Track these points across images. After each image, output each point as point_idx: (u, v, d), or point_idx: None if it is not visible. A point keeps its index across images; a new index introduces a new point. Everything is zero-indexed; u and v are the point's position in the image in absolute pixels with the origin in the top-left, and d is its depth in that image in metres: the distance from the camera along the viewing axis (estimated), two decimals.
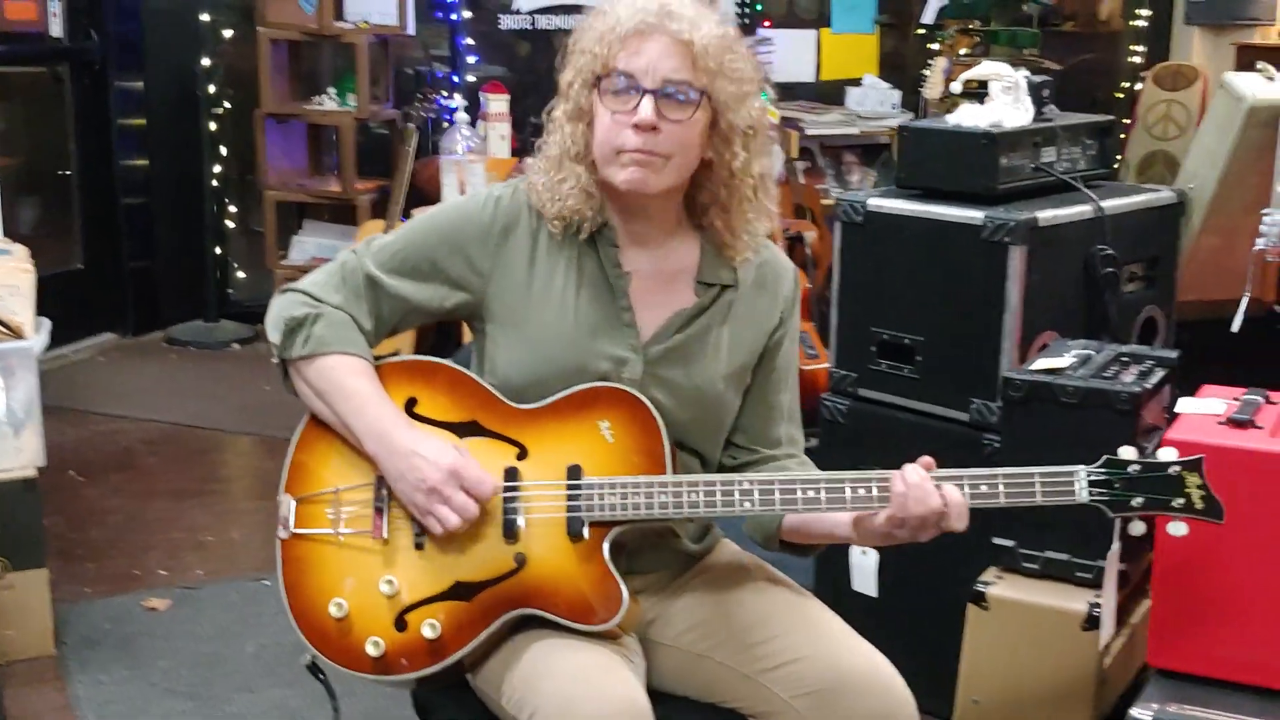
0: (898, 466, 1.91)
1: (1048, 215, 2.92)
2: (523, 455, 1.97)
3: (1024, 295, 2.89)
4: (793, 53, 6.83)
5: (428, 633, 1.91)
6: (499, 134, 6.02)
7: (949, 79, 6.46)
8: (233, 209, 6.31)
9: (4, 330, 3.28)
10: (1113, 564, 2.14)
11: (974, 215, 2.92)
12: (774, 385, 2.14)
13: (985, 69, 3.06)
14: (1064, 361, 2.64)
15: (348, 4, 5.99)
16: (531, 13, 6.52)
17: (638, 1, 1.96)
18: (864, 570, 3.23)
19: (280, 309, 2.03)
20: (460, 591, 1.93)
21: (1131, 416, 2.48)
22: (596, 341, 2.01)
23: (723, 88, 1.94)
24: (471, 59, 6.29)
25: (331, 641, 1.95)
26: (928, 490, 1.86)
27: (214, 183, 6.14)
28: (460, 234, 2.04)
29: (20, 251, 3.42)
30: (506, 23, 6.50)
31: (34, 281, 3.38)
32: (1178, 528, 1.89)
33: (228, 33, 6.19)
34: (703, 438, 2.08)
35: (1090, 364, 2.65)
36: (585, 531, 1.92)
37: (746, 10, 6.76)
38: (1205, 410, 2.28)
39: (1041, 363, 2.66)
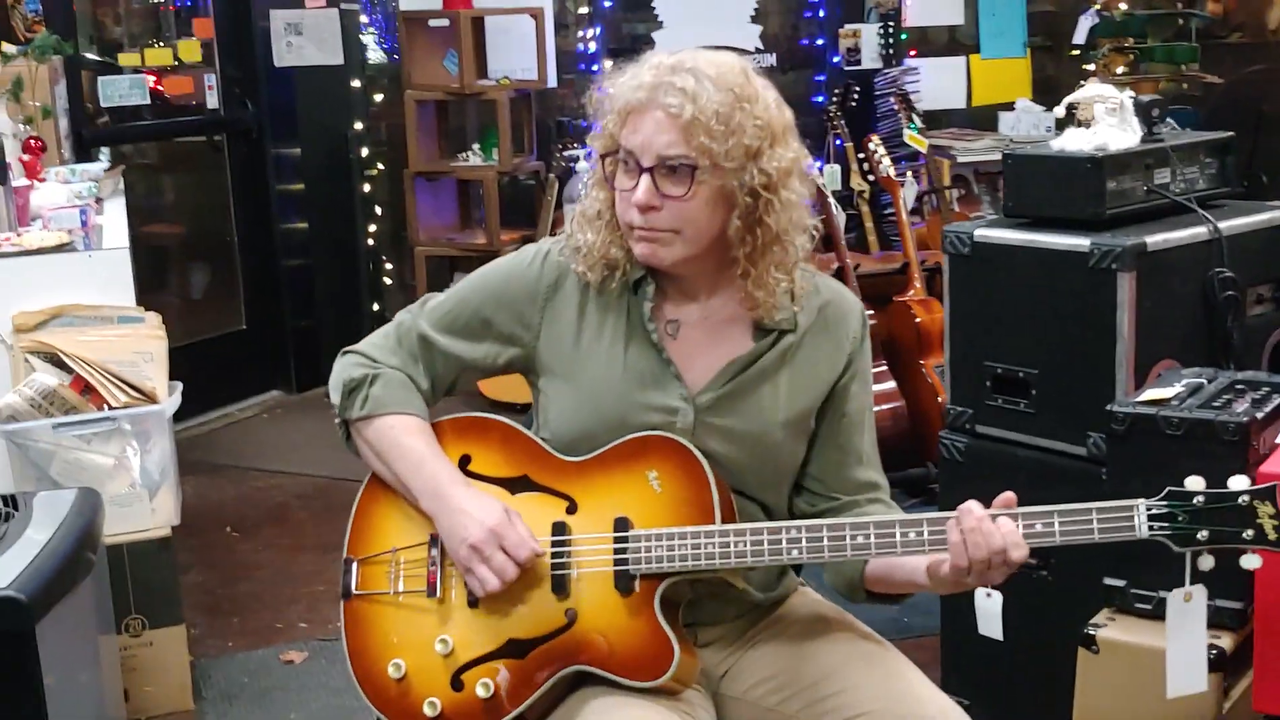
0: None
1: (1158, 239, 2.80)
2: (572, 509, 1.96)
3: (1136, 323, 2.78)
4: (943, 80, 6.74)
5: (482, 692, 1.91)
6: None
7: None
8: (389, 266, 6.46)
9: (137, 395, 3.40)
10: (1186, 604, 2.00)
11: (1080, 242, 2.82)
12: (846, 430, 2.09)
13: (1088, 91, 2.96)
14: (1171, 391, 2.52)
15: (490, 62, 6.11)
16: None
17: (642, 72, 1.92)
18: (989, 614, 3.11)
19: (340, 371, 2.07)
20: (513, 649, 1.92)
21: (1241, 447, 2.36)
22: (646, 393, 1.99)
23: (724, 153, 1.88)
24: None
25: (392, 703, 1.96)
26: (986, 532, 1.80)
27: (369, 241, 6.31)
28: (509, 291, 2.05)
29: (153, 319, 3.55)
30: None
31: (165, 348, 3.50)
32: (1251, 561, 1.78)
33: (378, 97, 6.37)
34: (763, 485, 2.04)
35: (1200, 393, 2.53)
36: (635, 585, 1.90)
37: (890, 41, 6.69)
38: None
39: (1149, 393, 2.54)
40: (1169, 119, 3.31)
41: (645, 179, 1.90)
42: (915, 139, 6.09)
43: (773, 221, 1.93)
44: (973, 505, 1.83)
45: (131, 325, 3.51)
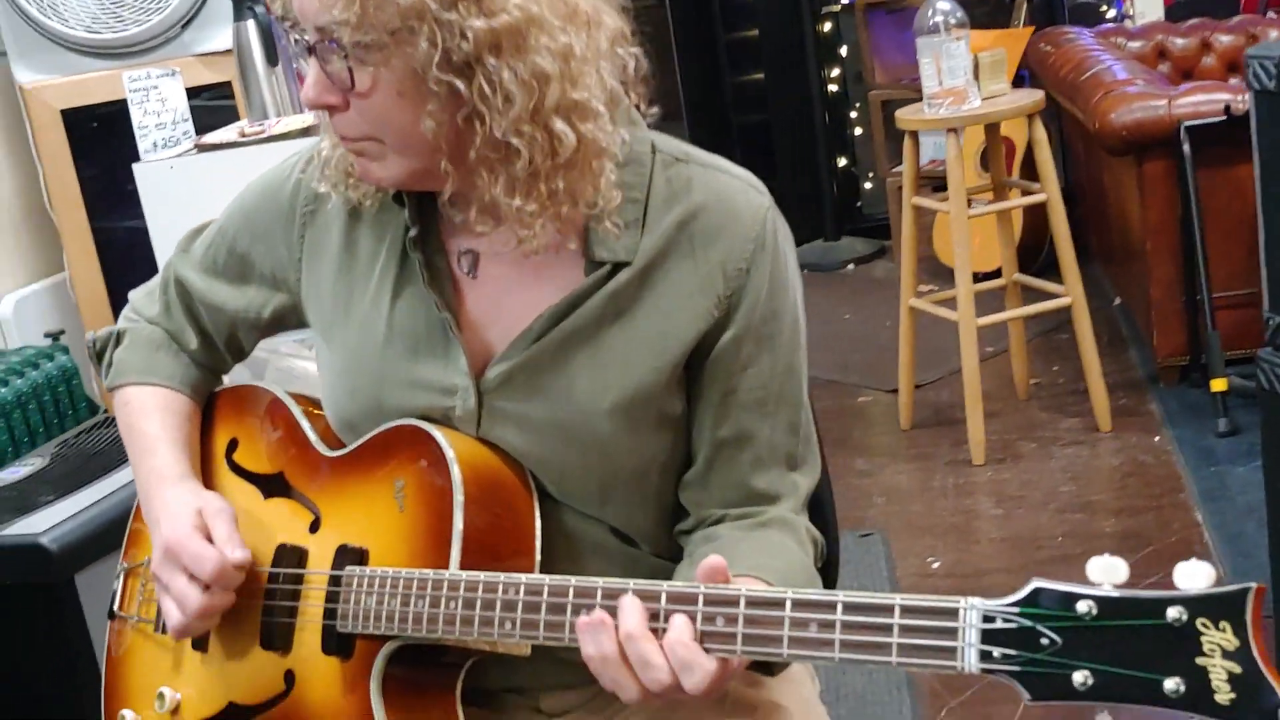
0: None
1: None
2: (316, 526, 1.40)
3: None
4: None
5: None
6: None
7: None
8: (853, 115, 5.79)
9: None
10: None
11: None
12: (734, 414, 1.34)
13: None
14: None
15: None
16: None
17: None
18: None
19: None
20: (233, 716, 1.42)
21: None
22: (417, 364, 1.37)
23: (367, 19, 1.18)
24: None
25: None
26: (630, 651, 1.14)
27: (830, 88, 5.65)
28: (263, 213, 1.47)
29: None
30: None
31: None
32: None
33: None
34: (599, 501, 1.36)
35: None
36: (352, 645, 1.33)
37: None
38: None
39: None
40: None
41: (313, 65, 1.26)
42: None
43: (490, 109, 1.23)
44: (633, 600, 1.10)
45: None
